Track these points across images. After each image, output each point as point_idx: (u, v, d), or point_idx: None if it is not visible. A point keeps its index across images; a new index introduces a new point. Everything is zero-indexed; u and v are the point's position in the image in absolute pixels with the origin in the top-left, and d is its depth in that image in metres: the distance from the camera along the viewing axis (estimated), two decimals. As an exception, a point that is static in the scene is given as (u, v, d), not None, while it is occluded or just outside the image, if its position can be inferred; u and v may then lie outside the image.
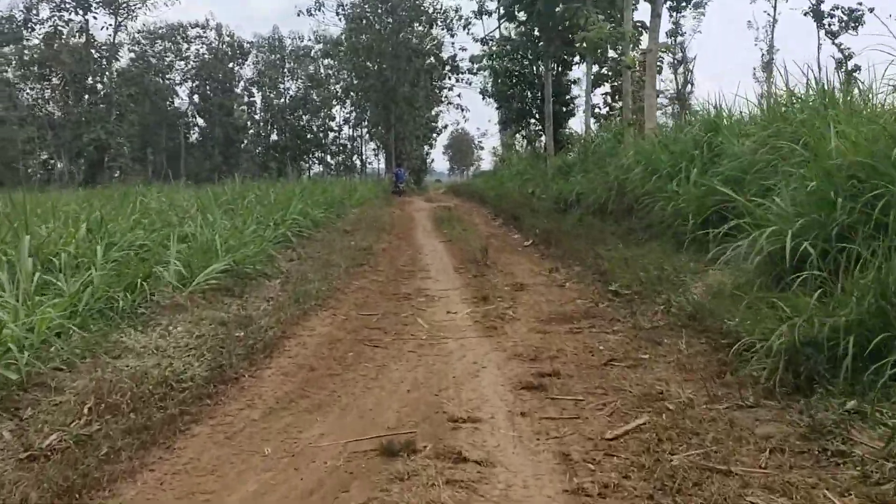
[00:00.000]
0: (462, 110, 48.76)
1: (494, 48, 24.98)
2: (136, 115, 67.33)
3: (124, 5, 43.55)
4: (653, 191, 10.28)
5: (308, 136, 68.94)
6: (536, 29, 18.66)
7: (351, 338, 6.03)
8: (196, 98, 70.02)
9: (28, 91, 53.54)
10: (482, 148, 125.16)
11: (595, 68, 19.92)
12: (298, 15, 44.73)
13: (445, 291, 8.46)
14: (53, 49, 46.25)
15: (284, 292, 7.81)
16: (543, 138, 25.88)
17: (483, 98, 45.77)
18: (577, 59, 23.24)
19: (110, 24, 43.96)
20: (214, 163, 68.37)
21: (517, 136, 34.39)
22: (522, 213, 16.29)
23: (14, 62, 52.15)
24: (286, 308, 6.81)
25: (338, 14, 44.70)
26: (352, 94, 49.55)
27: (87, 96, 43.90)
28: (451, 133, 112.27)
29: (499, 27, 28.93)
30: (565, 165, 17.69)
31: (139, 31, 62.29)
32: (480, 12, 33.71)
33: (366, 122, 58.89)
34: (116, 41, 55.64)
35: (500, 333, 6.27)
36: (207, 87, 68.26)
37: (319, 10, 44.54)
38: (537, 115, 23.82)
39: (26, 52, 50.92)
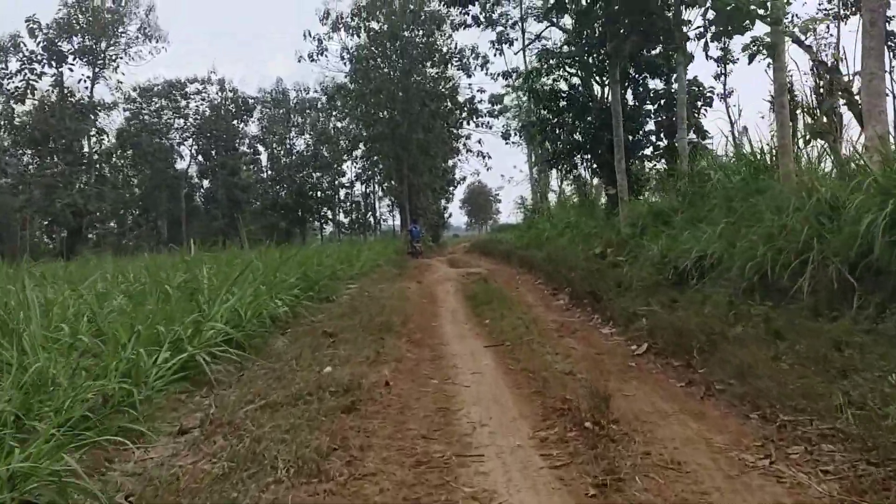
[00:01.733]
0: (483, 157, 43.15)
1: (535, 63, 19.64)
2: (136, 178, 63.44)
3: (102, 56, 38.71)
4: None
5: (318, 194, 64.04)
6: (598, 26, 13.28)
7: None
8: (200, 158, 65.51)
9: (23, 157, 49.30)
10: (500, 201, 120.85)
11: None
12: (300, 61, 39.57)
13: None
14: (44, 112, 41.74)
15: None
16: (596, 180, 20.20)
17: (506, 142, 40.82)
18: (644, 74, 17.67)
19: (88, 77, 39.10)
20: (218, 225, 63.37)
21: (558, 178, 28.76)
22: (601, 286, 10.56)
23: (3, 126, 47.87)
24: None
25: (342, 58, 39.95)
26: (360, 145, 44.24)
27: (56, 157, 38.88)
28: (469, 186, 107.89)
29: (532, 42, 23.73)
30: (656, 213, 11.98)
31: (134, 89, 58.29)
32: (500, 41, 28.67)
33: (378, 176, 53.71)
34: (111, 100, 51.53)
35: None
36: (212, 147, 63.71)
37: (322, 55, 39.84)
38: (596, 149, 18.01)
39: (17, 116, 46.61)
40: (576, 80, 18.95)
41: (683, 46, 11.75)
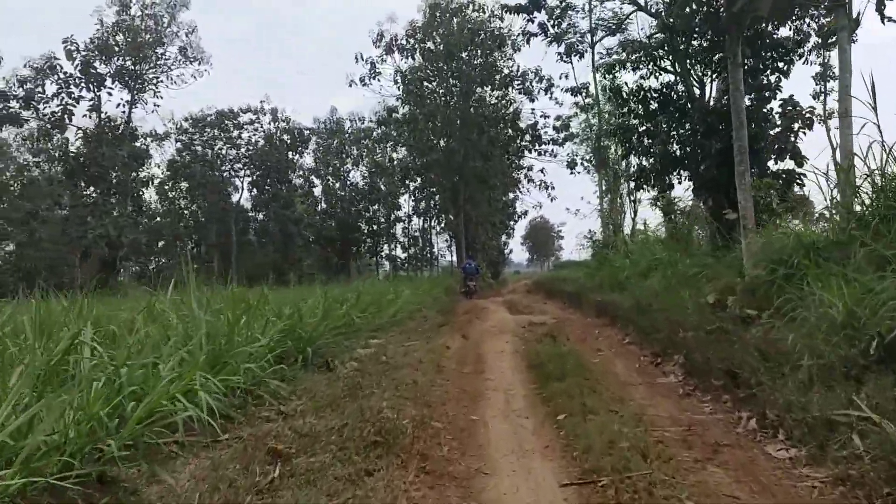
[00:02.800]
0: (547, 188, 39.26)
1: (617, 55, 15.72)
2: (189, 209, 61.82)
3: (140, 79, 36.29)
4: None
5: (373, 227, 61.26)
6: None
7: None
8: (254, 190, 63.36)
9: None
10: (562, 237, 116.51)
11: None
12: (350, 85, 36.51)
13: None
14: (92, 142, 39.74)
15: None
16: (688, 204, 16.03)
17: (571, 172, 36.90)
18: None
19: (126, 101, 36.71)
20: (269, 259, 60.78)
21: (631, 208, 24.81)
22: (738, 359, 6.66)
23: (58, 156, 46.40)
24: None
25: (395, 82, 36.75)
26: (414, 175, 40.69)
27: (93, 186, 36.57)
28: (530, 221, 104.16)
29: (611, 32, 19.94)
30: (809, 246, 8.02)
31: (186, 119, 56.66)
32: (569, 53, 25.02)
33: (433, 208, 50.27)
34: (161, 131, 49.78)
35: None
36: (266, 179, 61.50)
37: (375, 79, 36.85)
38: (697, 163, 13.85)
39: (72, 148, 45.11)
40: (670, 77, 15.02)
41: (847, 5, 7.97)
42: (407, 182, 41.16)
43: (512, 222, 58.74)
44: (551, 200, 40.02)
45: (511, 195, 48.75)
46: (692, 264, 12.29)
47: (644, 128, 14.85)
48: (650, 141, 14.70)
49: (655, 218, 20.21)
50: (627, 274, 16.82)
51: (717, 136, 12.61)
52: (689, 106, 13.97)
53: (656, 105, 14.58)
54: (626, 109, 15.32)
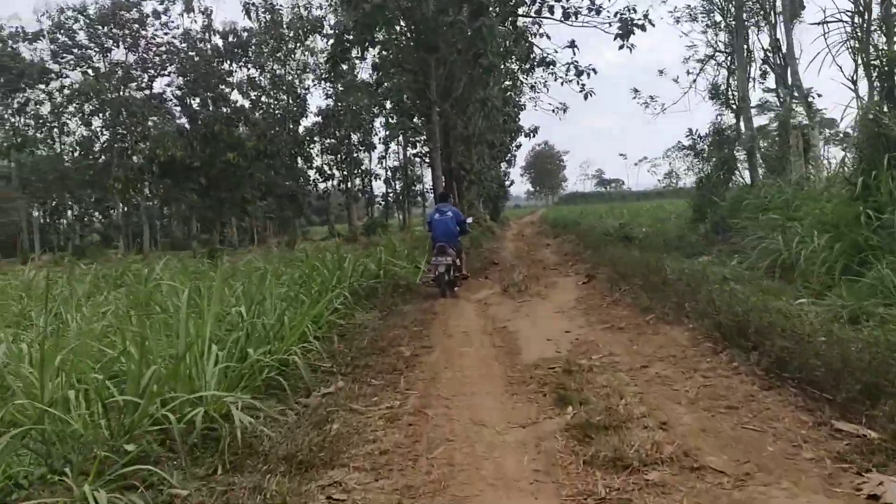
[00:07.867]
0: (580, 75, 21.92)
1: None
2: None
3: None
4: None
5: (340, 158, 44.92)
6: None
7: None
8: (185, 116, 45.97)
9: None
10: (565, 167, 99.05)
11: None
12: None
13: None
14: None
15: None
16: None
17: (623, 44, 19.93)
18: None
19: None
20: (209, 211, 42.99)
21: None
22: None
23: None
24: None
25: None
26: (349, 47, 22.41)
27: None
28: (532, 149, 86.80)
29: None
30: None
31: (61, 11, 39.37)
32: None
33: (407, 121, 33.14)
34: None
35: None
36: (192, 98, 44.00)
37: None
38: None
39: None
40: None
41: None
42: (338, 63, 21.95)
43: (514, 145, 42.25)
44: (585, 98, 22.47)
45: (513, 106, 32.12)
46: None
47: None
48: None
49: None
50: None
51: None
52: None
53: None
54: None
